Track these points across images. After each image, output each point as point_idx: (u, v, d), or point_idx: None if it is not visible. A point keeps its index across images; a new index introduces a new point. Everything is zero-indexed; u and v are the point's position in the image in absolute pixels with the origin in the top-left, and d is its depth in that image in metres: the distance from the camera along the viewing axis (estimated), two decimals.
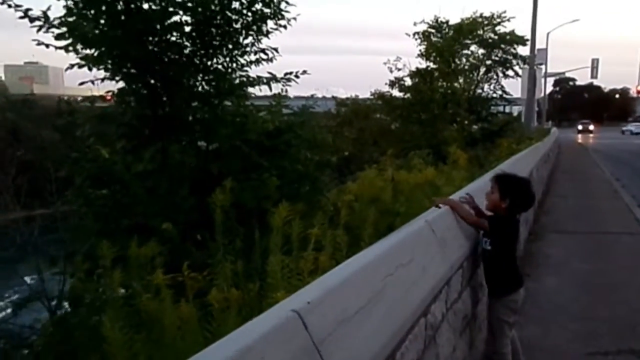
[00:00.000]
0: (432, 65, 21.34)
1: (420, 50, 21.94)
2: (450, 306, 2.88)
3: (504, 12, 26.95)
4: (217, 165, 5.82)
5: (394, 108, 21.38)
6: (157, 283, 3.35)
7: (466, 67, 26.98)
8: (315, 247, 4.00)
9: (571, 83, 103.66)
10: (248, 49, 6.64)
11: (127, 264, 4.34)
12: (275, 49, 6.30)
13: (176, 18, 5.82)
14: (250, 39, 6.80)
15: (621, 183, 16.72)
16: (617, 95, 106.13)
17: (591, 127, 71.70)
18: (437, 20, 24.10)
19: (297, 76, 6.34)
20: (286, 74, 6.29)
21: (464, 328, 3.25)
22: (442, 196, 5.48)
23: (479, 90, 28.55)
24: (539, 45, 38.18)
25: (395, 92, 21.33)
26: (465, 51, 26.56)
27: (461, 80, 25.41)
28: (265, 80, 6.28)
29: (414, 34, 21.97)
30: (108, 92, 5.67)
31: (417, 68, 21.02)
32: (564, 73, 56.60)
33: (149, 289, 3.93)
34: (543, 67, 41.22)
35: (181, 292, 3.89)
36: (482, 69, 28.68)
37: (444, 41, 22.10)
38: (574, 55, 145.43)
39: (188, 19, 5.84)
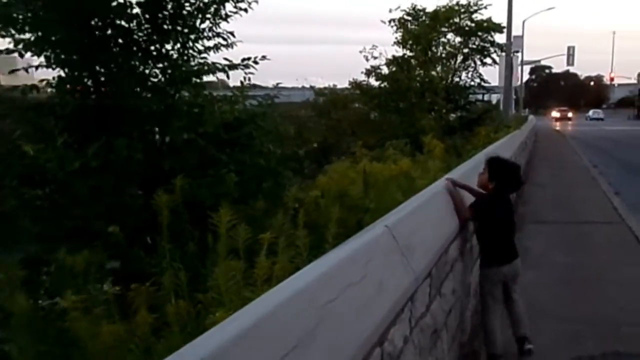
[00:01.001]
0: (408, 53, 20.94)
1: (396, 38, 21.54)
2: (416, 324, 2.47)
3: None
4: (170, 161, 5.34)
5: (371, 97, 20.95)
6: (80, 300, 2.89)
7: (443, 55, 26.68)
8: (272, 252, 3.59)
9: (547, 71, 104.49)
10: (205, 33, 6.15)
11: (59, 274, 3.88)
12: (232, 33, 5.81)
13: None
14: (207, 22, 6.32)
15: (598, 170, 16.59)
16: (592, 83, 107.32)
17: (570, 115, 71.51)
18: (414, 8, 23.70)
19: (255, 62, 5.86)
20: (243, 59, 5.81)
21: (433, 344, 2.85)
22: (415, 189, 5.18)
23: (457, 79, 28.31)
24: (515, 32, 38.14)
25: (372, 81, 20.90)
26: (443, 39, 26.26)
27: (439, 69, 25.10)
28: (221, 67, 5.78)
29: (389, 21, 21.49)
30: (42, 80, 5.11)
31: (393, 56, 20.64)
32: (539, 61, 56.80)
33: (93, 301, 3.48)
34: (520, 54, 41.13)
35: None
36: (460, 57, 28.42)
37: (420, 28, 21.67)
38: (550, 43, 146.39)
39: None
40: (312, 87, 34.19)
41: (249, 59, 5.83)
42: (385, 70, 20.55)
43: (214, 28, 6.33)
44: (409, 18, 23.52)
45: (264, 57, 5.92)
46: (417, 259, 2.56)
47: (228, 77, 5.83)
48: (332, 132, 27.62)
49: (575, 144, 27.43)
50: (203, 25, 6.27)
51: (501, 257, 3.75)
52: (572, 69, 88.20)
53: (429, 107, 20.55)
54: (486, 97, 33.98)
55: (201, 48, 6.21)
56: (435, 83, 20.63)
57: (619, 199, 11.30)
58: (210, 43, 6.16)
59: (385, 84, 20.34)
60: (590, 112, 74.00)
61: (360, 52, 20.53)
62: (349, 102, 29.14)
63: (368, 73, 20.62)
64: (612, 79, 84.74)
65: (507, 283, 3.81)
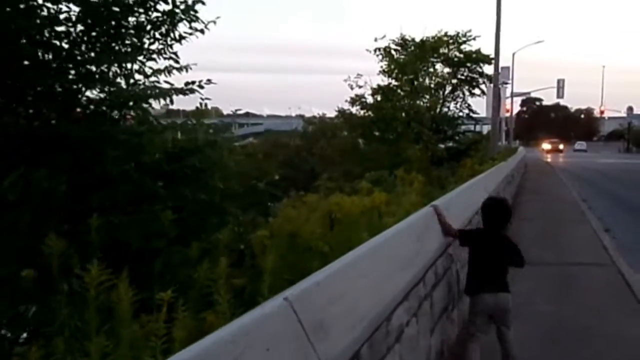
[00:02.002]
0: (394, 82, 20.54)
1: (381, 67, 21.17)
2: None
3: (469, 30, 26.55)
4: (99, 196, 4.68)
5: (354, 126, 20.45)
6: None
7: (432, 85, 26.40)
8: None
9: (538, 103, 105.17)
10: (151, 55, 5.57)
11: None
12: (175, 54, 5.23)
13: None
14: (157, 44, 5.75)
15: (587, 204, 16.04)
16: (582, 115, 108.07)
17: (561, 147, 71.57)
18: (402, 38, 23.44)
19: (200, 86, 5.27)
20: (187, 83, 5.22)
21: None
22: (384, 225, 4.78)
23: (445, 109, 28.01)
24: (505, 64, 38.17)
25: (357, 110, 20.42)
26: (431, 69, 26.01)
27: (427, 99, 24.75)
28: (165, 91, 5.18)
29: (375, 50, 21.13)
30: None
31: (378, 85, 20.20)
32: (529, 93, 56.84)
33: None
34: (509, 86, 41.06)
35: None
36: (449, 88, 28.17)
37: (406, 57, 21.33)
38: (540, 75, 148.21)
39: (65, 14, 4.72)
40: (301, 116, 33.80)
41: (193, 82, 5.25)
42: (370, 99, 20.11)
43: (166, 49, 5.77)
44: (397, 47, 23.26)
45: (209, 81, 5.34)
46: (333, 339, 1.91)
47: (172, 102, 5.22)
48: (321, 161, 27.15)
49: (565, 176, 26.97)
50: (153, 47, 5.71)
51: (482, 286, 3.85)
52: (562, 102, 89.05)
53: (415, 137, 20.06)
54: (478, 128, 33.76)
55: (148, 70, 5.62)
56: (421, 113, 20.19)
57: (609, 237, 10.71)
58: (156, 65, 5.57)
59: (370, 113, 19.87)
60: (576, 145, 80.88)
61: (345, 80, 20.14)
62: (337, 131, 28.79)
63: (352, 102, 20.18)
64: (602, 112, 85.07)
65: (495, 320, 3.85)
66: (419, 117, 19.91)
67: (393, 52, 21.51)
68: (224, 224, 4.85)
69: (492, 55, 25.03)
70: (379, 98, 19.89)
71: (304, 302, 1.83)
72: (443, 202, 4.95)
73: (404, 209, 7.28)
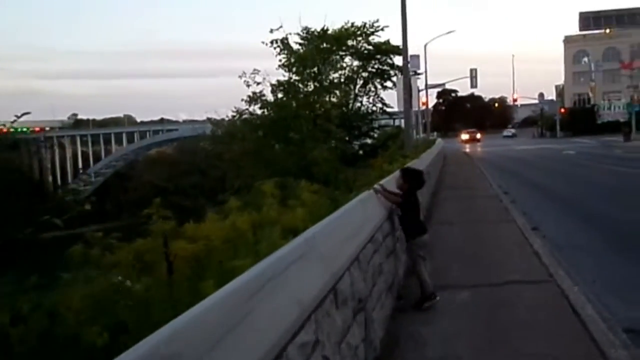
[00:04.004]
0: (294, 77, 18.51)
1: (280, 60, 19.04)
2: None
3: (377, 21, 25.04)
4: None
5: (255, 127, 18.23)
6: None
7: (342, 79, 24.66)
8: None
9: (453, 94, 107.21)
10: None
11: None
12: None
13: None
14: None
15: (510, 197, 14.73)
16: (496, 104, 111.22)
17: (478, 136, 72.00)
18: (304, 28, 21.38)
19: None
20: None
21: None
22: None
23: (358, 104, 26.40)
24: (416, 55, 37.22)
25: (257, 110, 18.20)
26: (341, 63, 24.27)
27: (336, 94, 22.93)
28: None
29: (271, 42, 18.90)
30: None
31: (277, 81, 18.06)
32: (444, 84, 56.90)
33: None
34: (422, 77, 40.31)
35: None
36: (360, 82, 26.57)
37: (306, 49, 19.36)
38: (453, 67, 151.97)
39: None
40: (208, 119, 30.95)
41: None
42: (270, 97, 17.96)
43: None
44: (300, 41, 21.26)
45: None
46: None
47: None
48: (231, 166, 24.74)
49: (485, 166, 26.09)
50: None
51: (422, 229, 6.02)
52: (476, 92, 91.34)
53: (324, 136, 18.13)
54: (397, 122, 32.34)
55: None
56: (327, 109, 18.29)
57: (539, 237, 9.18)
58: None
59: (271, 111, 17.72)
60: (505, 132, 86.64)
61: (240, 77, 17.78)
62: (247, 133, 26.53)
63: (250, 100, 17.91)
64: (515, 100, 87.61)
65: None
66: (325, 114, 18.02)
67: (293, 44, 19.38)
68: None
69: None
70: (279, 95, 17.82)
71: None
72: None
73: (274, 237, 5.12)
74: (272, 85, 17.88)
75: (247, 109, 18.21)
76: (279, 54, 18.98)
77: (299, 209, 6.42)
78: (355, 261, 3.74)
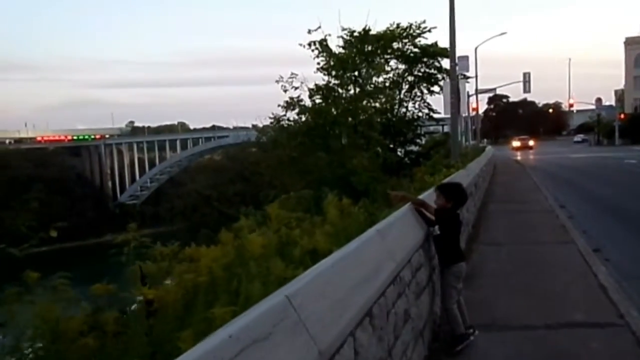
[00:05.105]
0: (334, 81, 17.60)
1: (318, 64, 18.14)
2: None
3: (424, 22, 23.87)
4: None
5: (292, 135, 17.40)
6: None
7: (386, 84, 23.59)
8: None
9: (505, 100, 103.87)
10: None
11: None
12: None
13: None
14: None
15: (568, 212, 13.37)
16: (550, 110, 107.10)
17: (531, 143, 68.97)
18: (348, 30, 20.36)
19: None
20: None
21: None
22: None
23: (404, 109, 25.25)
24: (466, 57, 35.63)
25: (294, 116, 17.38)
26: (385, 66, 23.19)
27: (381, 99, 21.87)
28: None
29: (309, 44, 18.00)
30: None
31: (316, 85, 17.17)
32: (495, 89, 54.55)
33: None
34: (472, 81, 38.64)
35: None
36: (406, 86, 25.42)
37: (347, 51, 18.40)
38: (505, 72, 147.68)
39: None
40: (253, 126, 30.42)
41: None
42: (308, 102, 17.10)
43: None
44: (341, 43, 20.32)
45: None
46: None
47: None
48: (275, 173, 24.09)
49: (538, 177, 24.42)
50: None
51: (462, 256, 5.19)
52: (529, 97, 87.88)
53: (365, 144, 17.15)
54: (446, 129, 30.93)
55: None
56: (369, 115, 17.29)
57: (603, 263, 7.96)
58: None
59: (309, 117, 16.85)
60: (575, 137, 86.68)
61: (277, 81, 16.99)
62: (292, 140, 25.87)
63: (287, 106, 17.10)
64: (570, 105, 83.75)
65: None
66: (367, 120, 17.05)
67: (333, 46, 18.41)
68: None
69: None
70: (317, 100, 16.94)
71: None
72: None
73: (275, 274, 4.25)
74: (309, 89, 17.04)
75: (284, 115, 17.43)
76: (317, 56, 18.13)
77: (321, 228, 5.50)
78: (365, 318, 2.81)
